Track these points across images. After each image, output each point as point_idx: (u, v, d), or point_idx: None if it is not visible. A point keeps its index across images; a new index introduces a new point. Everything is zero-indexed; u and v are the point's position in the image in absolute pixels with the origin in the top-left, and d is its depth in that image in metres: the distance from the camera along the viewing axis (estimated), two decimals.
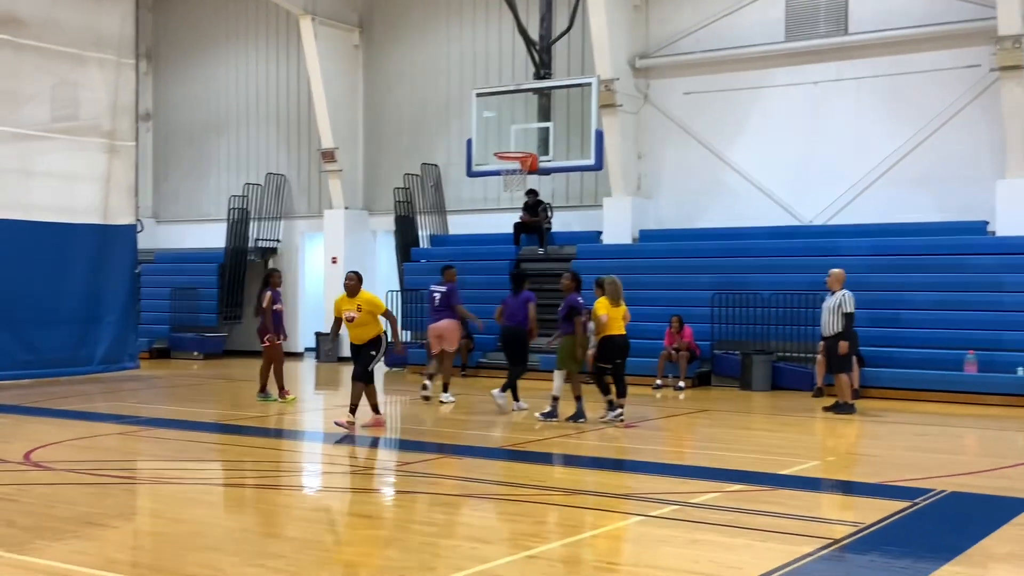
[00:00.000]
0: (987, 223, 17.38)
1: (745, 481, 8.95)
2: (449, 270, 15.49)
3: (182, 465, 9.96)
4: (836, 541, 6.79)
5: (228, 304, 24.50)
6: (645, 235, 20.23)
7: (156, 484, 9.19)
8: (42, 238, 18.16)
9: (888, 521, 7.41)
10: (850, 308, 13.80)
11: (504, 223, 21.23)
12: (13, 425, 12.82)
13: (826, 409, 14.05)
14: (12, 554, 6.19)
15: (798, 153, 19.30)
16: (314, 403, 17.82)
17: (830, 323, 13.91)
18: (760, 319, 17.58)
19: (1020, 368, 15.37)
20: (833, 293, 14.03)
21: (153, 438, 11.98)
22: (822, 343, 14.85)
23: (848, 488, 8.93)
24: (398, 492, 9.02)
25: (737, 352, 17.32)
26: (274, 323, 15.21)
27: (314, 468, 10.71)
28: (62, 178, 18.89)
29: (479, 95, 19.61)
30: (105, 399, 15.69)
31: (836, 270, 14.25)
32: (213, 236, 25.16)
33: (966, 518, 7.75)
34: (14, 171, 18.21)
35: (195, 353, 23.51)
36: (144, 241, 21.51)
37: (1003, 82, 16.74)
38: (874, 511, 7.68)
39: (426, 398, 15.13)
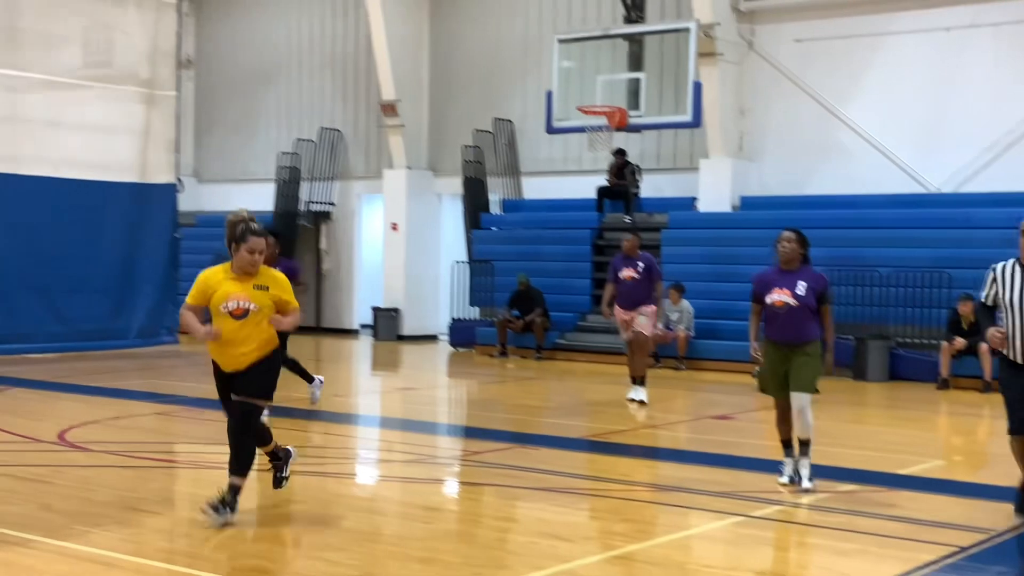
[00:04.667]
0: None
1: (858, 480, 8.94)
2: (633, 239, 13.59)
3: (224, 449, 10.19)
4: (962, 549, 6.77)
5: None
6: (747, 202, 20.12)
7: (198, 468, 9.45)
8: (73, 197, 18.60)
9: (1021, 529, 7.37)
10: None
11: (586, 187, 21.26)
12: (44, 402, 13.23)
13: None
14: (52, 540, 6.43)
15: (925, 110, 19.01)
16: (370, 385, 18.11)
17: None
18: (877, 299, 17.41)
19: None
20: None
21: (193, 419, 12.28)
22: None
23: (977, 491, 8.87)
24: (466, 483, 9.17)
25: (850, 337, 17.18)
26: None
27: (370, 455, 10.91)
28: (95, 131, 19.29)
29: (561, 41, 19.62)
30: (141, 376, 16.09)
31: None
32: (260, 198, 25.48)
33: None
34: (43, 122, 18.62)
35: None
36: (185, 202, 21.90)
37: None
38: (1005, 517, 7.64)
39: (640, 402, 13.37)
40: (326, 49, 25.75)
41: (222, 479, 9.11)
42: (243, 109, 27.14)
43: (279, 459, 7.72)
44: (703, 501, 8.13)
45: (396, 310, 23.34)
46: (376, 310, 23.66)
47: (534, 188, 22.99)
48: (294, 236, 25.10)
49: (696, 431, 11.99)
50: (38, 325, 18.19)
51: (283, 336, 10.84)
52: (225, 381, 7.25)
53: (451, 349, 21.38)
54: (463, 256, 22.75)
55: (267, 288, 7.12)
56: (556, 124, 19.50)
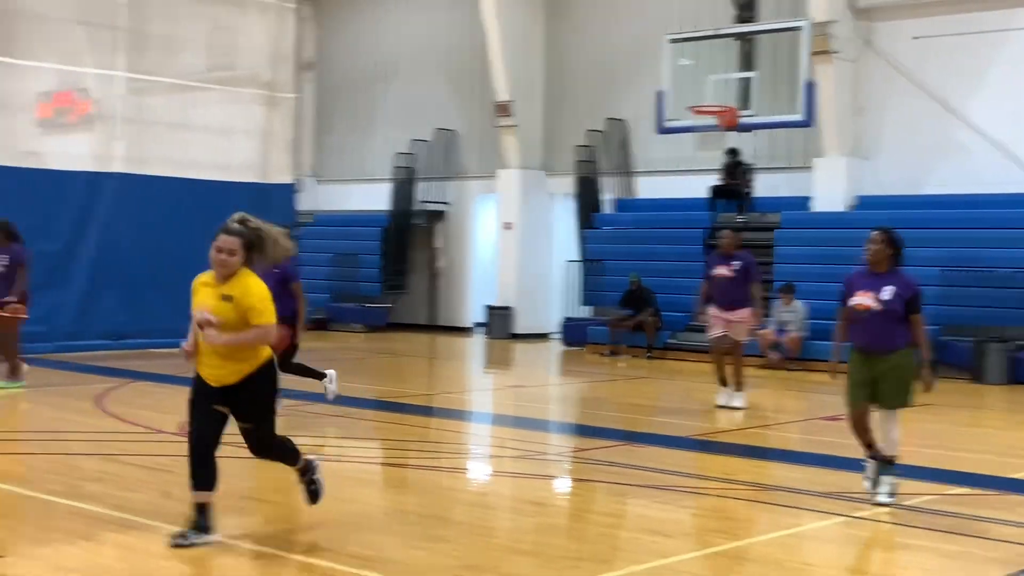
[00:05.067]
0: None
1: (970, 484, 8.87)
2: (731, 237, 13.17)
3: (342, 443, 10.54)
4: None
5: (392, 272, 25.31)
6: (863, 202, 19.88)
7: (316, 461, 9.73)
8: (197, 197, 19.19)
9: None
10: None
11: (699, 186, 21.23)
12: (169, 395, 13.69)
13: None
14: (172, 526, 6.75)
15: None
16: (483, 382, 18.38)
17: None
18: (997, 301, 17.09)
19: None
20: None
21: (311, 413, 12.64)
22: None
23: None
24: (573, 479, 9.33)
25: (969, 339, 16.90)
26: None
27: (481, 451, 11.14)
28: (218, 132, 19.93)
29: (673, 41, 19.65)
30: None
31: None
32: (376, 197, 25.97)
33: None
34: (169, 124, 19.34)
35: (356, 325, 24.43)
36: (303, 202, 22.43)
37: None
38: None
39: (732, 407, 12.91)
40: (441, 50, 26.08)
41: (340, 472, 9.44)
42: (361, 110, 27.64)
43: (306, 473, 7.21)
44: (807, 501, 8.15)
45: (509, 308, 23.59)
46: (489, 308, 23.92)
47: (647, 187, 23.02)
48: (409, 235, 25.53)
49: (805, 432, 11.95)
50: (162, 320, 18.81)
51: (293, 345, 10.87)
52: (209, 391, 6.58)
53: (563, 348, 21.54)
54: (575, 255, 22.89)
55: (231, 298, 6.40)
56: (668, 124, 19.54)
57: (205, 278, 6.58)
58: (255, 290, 6.47)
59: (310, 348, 20.12)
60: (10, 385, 12.98)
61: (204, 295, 6.49)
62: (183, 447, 9.82)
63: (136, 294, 18.44)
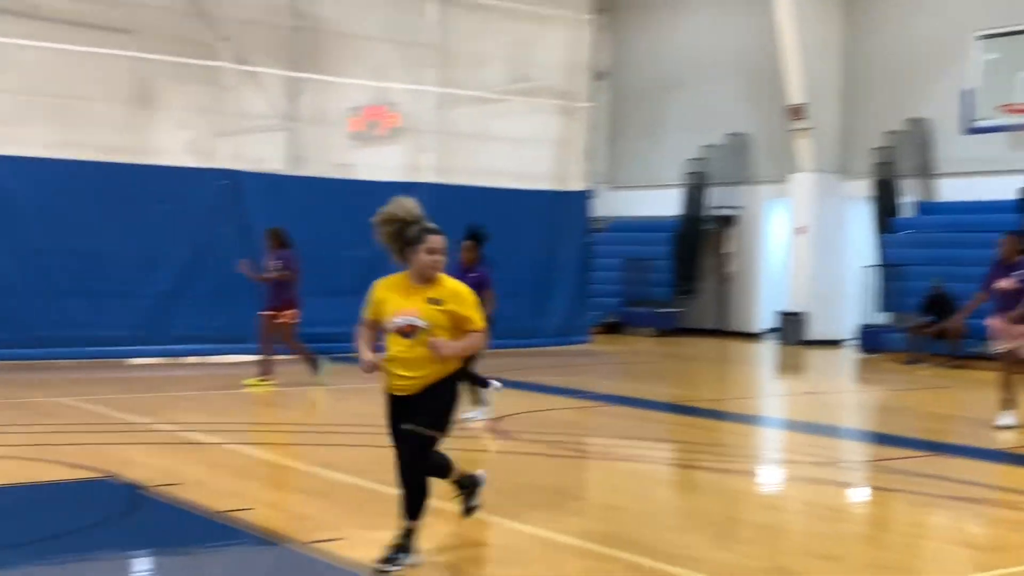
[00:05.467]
0: None
1: None
2: (1010, 242, 12.05)
3: (636, 443, 10.80)
4: None
5: (682, 277, 25.46)
6: None
7: (614, 461, 10.07)
8: (497, 205, 19.92)
9: None
10: None
11: (1008, 188, 20.30)
12: (468, 392, 14.41)
13: None
14: (493, 516, 7.20)
15: None
16: (775, 388, 18.29)
17: None
18: None
19: None
20: None
21: (608, 414, 13.04)
22: None
23: None
24: (872, 488, 9.25)
25: None
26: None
27: (773, 455, 11.17)
28: (516, 142, 20.66)
29: (981, 37, 18.90)
30: (557, 373, 17.07)
31: None
32: (667, 203, 26.18)
33: None
34: (472, 136, 20.24)
35: (647, 329, 24.74)
36: (597, 208, 22.90)
37: None
38: None
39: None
40: (733, 54, 25.98)
41: (640, 472, 9.72)
42: (652, 117, 27.89)
43: (465, 487, 6.70)
44: None
45: (801, 314, 23.26)
46: (782, 314, 23.66)
47: (950, 190, 22.19)
48: (699, 240, 25.62)
49: None
50: None
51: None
52: (396, 406, 6.13)
53: (859, 355, 21.08)
54: (871, 260, 22.34)
55: (441, 302, 5.99)
56: (975, 123, 18.81)
57: (393, 282, 6.14)
58: (466, 295, 6.09)
59: (601, 351, 20.62)
60: (261, 383, 13.81)
61: (401, 300, 6.02)
62: (492, 443, 10.44)
63: None
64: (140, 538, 6.95)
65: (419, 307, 5.96)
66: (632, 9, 28.16)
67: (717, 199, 25.68)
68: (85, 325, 16.10)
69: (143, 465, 8.82)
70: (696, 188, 25.73)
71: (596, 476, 9.64)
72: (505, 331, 19.99)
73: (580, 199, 21.17)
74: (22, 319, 15.78)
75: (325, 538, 6.63)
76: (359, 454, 9.65)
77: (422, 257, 6.00)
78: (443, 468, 6.42)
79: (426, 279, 6.02)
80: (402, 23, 20.12)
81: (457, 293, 6.04)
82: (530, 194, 20.40)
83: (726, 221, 25.86)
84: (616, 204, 27.92)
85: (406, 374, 5.99)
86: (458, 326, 5.99)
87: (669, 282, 25.42)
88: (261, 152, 20.63)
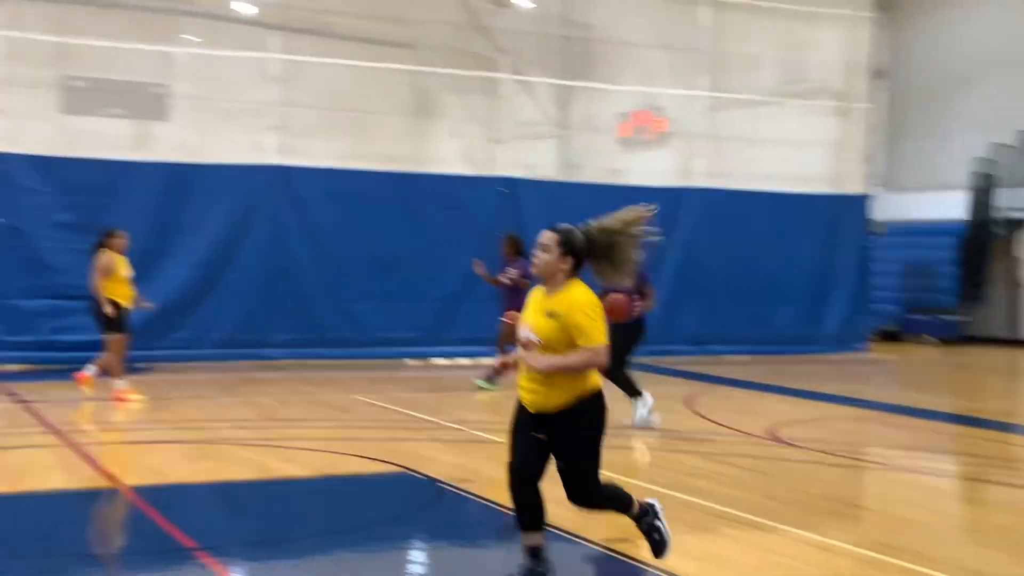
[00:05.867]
0: None
1: None
2: None
3: (919, 455, 10.47)
4: None
5: (968, 284, 24.39)
6: None
7: (899, 472, 9.81)
8: (771, 209, 19.70)
9: None
10: None
11: None
12: (751, 400, 14.33)
13: None
14: (781, 525, 7.15)
15: None
16: None
17: None
18: None
19: None
20: None
21: (890, 424, 12.69)
22: None
23: None
24: None
25: None
26: None
27: None
28: (790, 145, 20.31)
29: None
30: (835, 380, 16.67)
31: None
32: (949, 206, 25.11)
33: None
34: (743, 139, 20.04)
35: (928, 337, 23.82)
36: (874, 211, 22.25)
37: None
38: None
39: None
40: None
41: (928, 484, 9.44)
42: (936, 116, 26.82)
43: (644, 517, 6.05)
44: None
45: None
46: None
47: None
48: (987, 244, 24.48)
49: None
50: (737, 329, 19.49)
51: (621, 351, 9.82)
52: (523, 417, 5.75)
53: None
54: None
55: (556, 315, 5.52)
56: None
57: (539, 291, 5.74)
58: (582, 305, 5.52)
59: (881, 359, 19.98)
60: (490, 387, 13.91)
61: (530, 311, 5.68)
62: (773, 451, 10.31)
63: (714, 303, 19.20)
64: (446, 530, 7.34)
65: (536, 320, 5.59)
66: (914, 5, 27.22)
67: (1007, 201, 24.46)
68: (375, 327, 16.97)
69: (436, 460, 9.24)
70: (984, 190, 24.58)
71: (878, 487, 9.42)
72: (780, 337, 19.80)
73: (858, 202, 20.64)
74: (319, 321, 16.75)
75: (616, 537, 6.74)
76: (640, 457, 9.76)
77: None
78: (616, 500, 5.93)
79: (552, 287, 5.62)
80: (674, 28, 20.17)
81: (574, 304, 5.51)
82: (805, 198, 20.04)
83: (1017, 224, 24.60)
84: (894, 207, 26.97)
85: (530, 387, 5.63)
86: (571, 341, 5.50)
87: (954, 288, 24.39)
88: (534, 159, 21.14)
